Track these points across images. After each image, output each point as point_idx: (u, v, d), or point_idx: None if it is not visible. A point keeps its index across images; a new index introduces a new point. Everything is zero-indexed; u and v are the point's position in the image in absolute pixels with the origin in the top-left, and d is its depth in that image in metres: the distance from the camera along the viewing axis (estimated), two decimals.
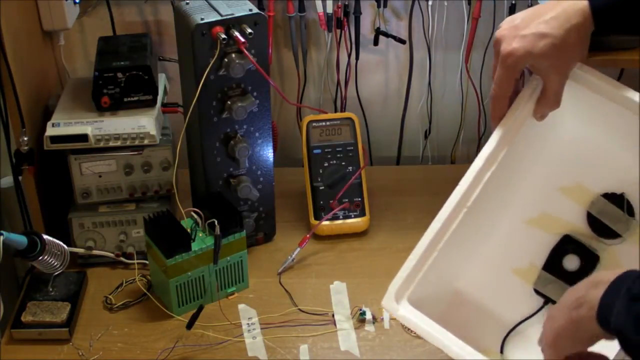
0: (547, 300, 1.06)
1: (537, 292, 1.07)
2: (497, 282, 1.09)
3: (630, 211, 1.05)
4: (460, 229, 0.97)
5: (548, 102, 0.97)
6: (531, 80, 0.98)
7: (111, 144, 1.26)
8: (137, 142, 1.27)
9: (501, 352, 1.05)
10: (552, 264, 1.07)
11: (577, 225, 1.07)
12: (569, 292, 0.85)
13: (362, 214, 1.39)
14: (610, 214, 1.05)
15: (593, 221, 1.06)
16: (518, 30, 0.93)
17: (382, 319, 1.21)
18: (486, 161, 0.97)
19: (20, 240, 1.05)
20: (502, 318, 1.06)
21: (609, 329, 0.76)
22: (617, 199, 1.05)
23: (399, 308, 0.94)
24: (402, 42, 1.52)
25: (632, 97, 0.95)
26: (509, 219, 1.08)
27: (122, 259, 1.31)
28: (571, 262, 1.06)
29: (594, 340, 0.81)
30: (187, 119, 1.24)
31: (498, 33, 0.95)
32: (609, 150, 1.02)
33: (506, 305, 1.07)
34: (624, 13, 0.91)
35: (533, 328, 1.05)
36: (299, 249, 1.33)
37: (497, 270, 1.08)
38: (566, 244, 1.07)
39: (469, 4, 1.50)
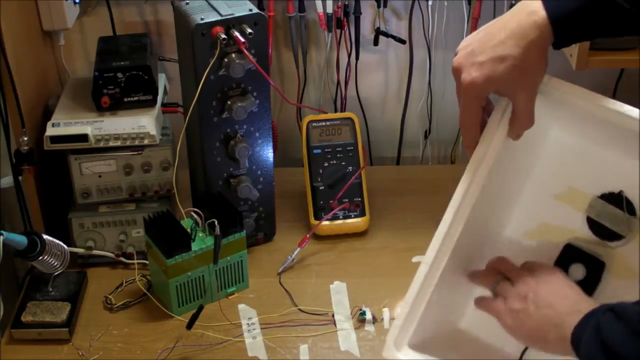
0: None
1: None
2: None
3: (630, 209, 1.02)
4: (452, 264, 0.95)
5: (521, 122, 0.92)
6: (500, 102, 0.94)
7: (111, 144, 1.26)
8: (137, 142, 1.27)
9: None
10: None
11: (579, 231, 1.05)
12: (555, 296, 0.90)
13: (362, 214, 1.39)
14: (610, 215, 1.03)
15: (594, 225, 1.04)
16: (475, 57, 0.88)
17: (382, 319, 1.21)
18: (465, 194, 0.94)
19: (20, 240, 1.06)
20: (513, 343, 1.05)
21: (579, 355, 0.82)
22: (615, 199, 1.02)
23: (400, 357, 0.93)
24: (402, 42, 1.52)
25: (606, 105, 0.92)
26: (508, 236, 1.07)
27: (122, 259, 1.31)
28: (577, 272, 1.04)
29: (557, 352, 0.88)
30: (187, 119, 1.24)
31: (455, 61, 0.91)
32: (598, 150, 1.00)
33: None
34: (584, 21, 0.86)
35: None
36: (299, 249, 1.33)
37: None
38: (569, 253, 1.05)
39: (469, 4, 1.50)
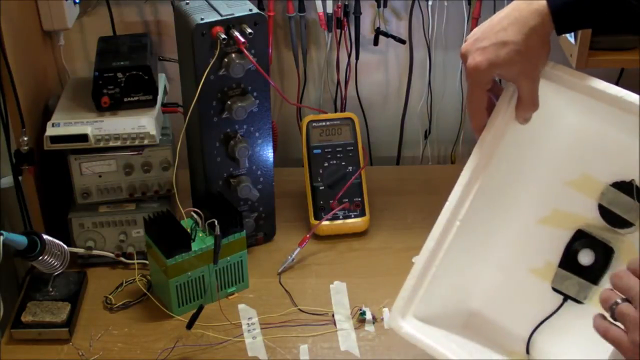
0: (566, 298, 1.06)
1: (555, 290, 1.07)
2: (516, 285, 1.09)
3: None
4: (459, 242, 0.98)
5: (525, 106, 0.96)
6: (507, 87, 0.98)
7: (111, 144, 1.26)
8: (137, 142, 1.27)
9: (527, 352, 1.06)
10: (568, 260, 1.07)
11: (590, 218, 1.06)
12: None
13: (362, 214, 1.39)
14: (621, 203, 1.04)
15: (605, 212, 1.06)
16: (479, 43, 0.93)
17: (382, 319, 1.21)
18: (472, 173, 0.98)
19: (20, 240, 1.06)
20: (524, 320, 1.07)
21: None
22: (627, 187, 1.04)
23: (402, 326, 0.97)
24: (402, 42, 1.52)
25: (606, 90, 0.94)
26: (521, 220, 1.08)
27: (122, 259, 1.31)
28: (586, 257, 1.06)
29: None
30: (187, 119, 1.24)
31: (462, 48, 0.95)
32: (612, 137, 1.01)
33: (527, 307, 1.08)
34: (583, 11, 0.90)
35: (555, 326, 1.06)
36: (299, 249, 1.33)
37: (514, 273, 1.09)
38: (580, 238, 1.06)
39: (469, 4, 1.50)
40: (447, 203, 0.98)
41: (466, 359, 0.95)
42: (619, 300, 0.81)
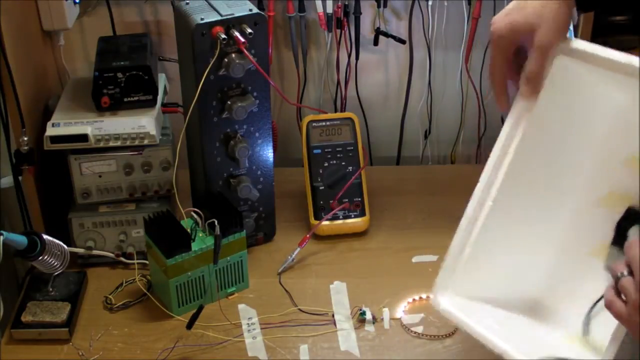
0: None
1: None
2: (571, 266, 1.08)
3: None
4: (496, 221, 0.99)
5: (528, 79, 0.96)
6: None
7: (111, 144, 1.26)
8: (137, 142, 1.27)
9: (584, 333, 1.05)
10: (619, 238, 1.05)
11: None
12: None
13: (362, 214, 1.39)
14: None
15: None
16: (505, 11, 0.97)
17: (382, 319, 1.21)
18: (503, 148, 0.99)
19: (20, 240, 1.06)
20: (581, 301, 1.06)
21: None
22: None
23: (440, 302, 0.99)
24: (402, 42, 1.52)
25: (622, 61, 0.94)
26: (574, 202, 1.08)
27: (122, 259, 1.31)
28: (635, 234, 1.05)
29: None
30: (187, 119, 1.24)
31: (493, 19, 0.98)
32: None
33: (582, 288, 1.06)
34: None
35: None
36: (299, 249, 1.33)
37: (569, 255, 1.08)
38: (630, 216, 1.04)
39: (469, 4, 1.50)
40: (479, 183, 0.99)
41: (504, 337, 0.95)
42: (625, 272, 0.83)
